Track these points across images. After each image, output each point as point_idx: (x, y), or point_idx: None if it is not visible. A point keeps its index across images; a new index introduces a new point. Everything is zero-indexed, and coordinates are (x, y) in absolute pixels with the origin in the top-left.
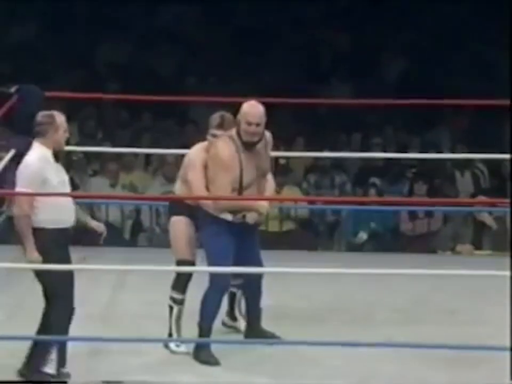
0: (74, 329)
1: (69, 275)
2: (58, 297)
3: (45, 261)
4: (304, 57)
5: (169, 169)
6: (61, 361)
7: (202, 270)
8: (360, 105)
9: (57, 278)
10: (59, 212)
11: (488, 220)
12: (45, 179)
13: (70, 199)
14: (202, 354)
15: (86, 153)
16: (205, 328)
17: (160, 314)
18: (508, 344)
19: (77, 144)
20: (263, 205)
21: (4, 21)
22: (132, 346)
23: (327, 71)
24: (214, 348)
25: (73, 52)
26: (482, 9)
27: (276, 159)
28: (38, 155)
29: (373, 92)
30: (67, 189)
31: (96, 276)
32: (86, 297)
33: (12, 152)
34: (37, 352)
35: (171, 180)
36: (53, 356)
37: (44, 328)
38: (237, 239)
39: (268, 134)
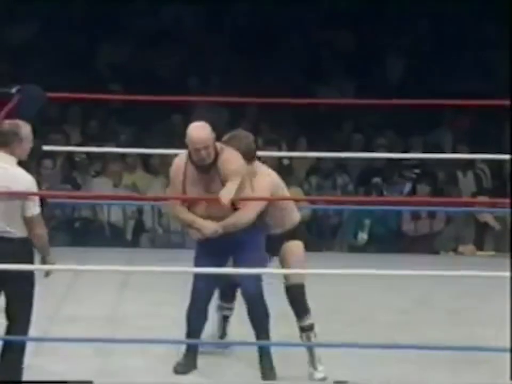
0: (78, 329)
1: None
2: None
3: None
4: (306, 58)
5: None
6: None
7: (201, 272)
8: (362, 106)
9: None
10: None
11: (491, 220)
12: None
13: None
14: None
15: (88, 154)
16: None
17: (162, 315)
18: (508, 345)
19: (79, 145)
20: (209, 226)
21: (4, 21)
22: (134, 347)
23: (328, 71)
24: (213, 350)
25: (73, 53)
26: (483, 11)
27: (279, 159)
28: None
29: (375, 92)
30: None
31: (98, 277)
32: (88, 298)
33: None
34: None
35: None
36: None
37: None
38: (216, 257)
39: (226, 153)
